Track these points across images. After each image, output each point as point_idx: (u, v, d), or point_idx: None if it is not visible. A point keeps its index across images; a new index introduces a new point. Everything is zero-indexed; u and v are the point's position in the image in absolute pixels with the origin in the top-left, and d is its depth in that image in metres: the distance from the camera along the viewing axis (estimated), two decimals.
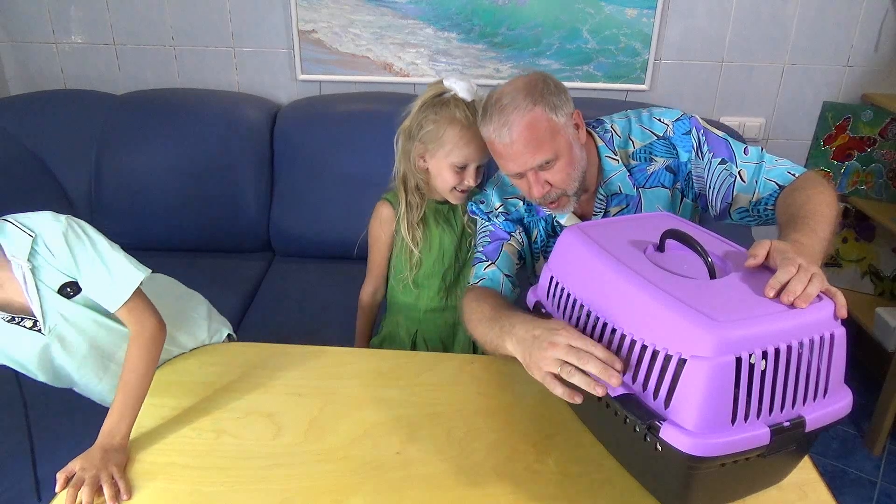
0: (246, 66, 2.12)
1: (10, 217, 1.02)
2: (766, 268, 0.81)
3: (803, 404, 0.74)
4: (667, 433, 0.71)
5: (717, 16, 2.00)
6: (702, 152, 1.16)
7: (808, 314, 0.73)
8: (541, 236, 1.26)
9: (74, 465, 0.90)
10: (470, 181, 1.27)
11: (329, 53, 2.07)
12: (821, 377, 0.75)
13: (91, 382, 1.14)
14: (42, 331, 1.03)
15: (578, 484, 0.87)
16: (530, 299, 0.99)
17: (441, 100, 1.25)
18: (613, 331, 0.80)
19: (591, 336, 0.83)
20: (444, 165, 1.26)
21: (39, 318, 1.01)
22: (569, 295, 0.89)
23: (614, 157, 1.19)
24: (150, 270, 1.07)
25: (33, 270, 0.99)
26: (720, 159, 1.14)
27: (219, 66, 2.12)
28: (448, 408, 1.01)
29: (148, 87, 2.12)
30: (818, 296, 0.75)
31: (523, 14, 2.00)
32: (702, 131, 1.16)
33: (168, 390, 1.05)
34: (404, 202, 1.33)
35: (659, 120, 1.19)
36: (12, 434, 1.34)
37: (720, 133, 1.17)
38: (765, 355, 0.70)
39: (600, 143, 1.20)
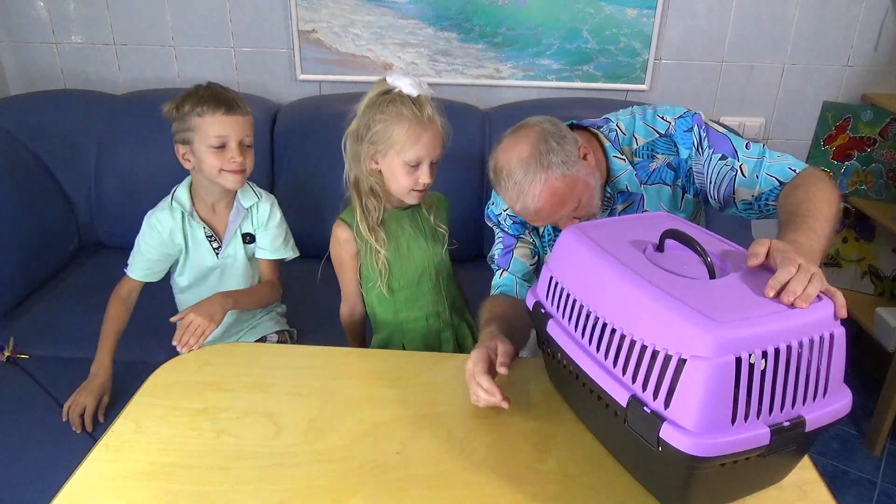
0: (246, 66, 2.12)
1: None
2: (766, 268, 0.81)
3: (803, 404, 0.74)
4: (667, 433, 0.71)
5: (717, 16, 2.00)
6: (702, 148, 1.17)
7: (808, 314, 0.73)
8: (548, 231, 1.28)
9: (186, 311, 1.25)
10: (425, 179, 1.24)
11: (329, 53, 2.07)
12: (820, 377, 0.74)
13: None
14: (218, 255, 1.47)
15: (578, 484, 0.87)
16: (530, 299, 0.99)
17: (387, 98, 1.21)
18: (613, 331, 0.80)
19: (591, 336, 0.83)
20: (396, 165, 1.23)
21: (223, 246, 1.47)
22: (568, 295, 0.89)
23: (621, 156, 1.20)
24: (296, 255, 1.56)
25: (245, 217, 1.46)
26: (720, 155, 1.14)
27: (219, 66, 2.12)
28: (448, 408, 1.01)
29: (148, 87, 2.12)
30: (818, 296, 0.75)
31: (523, 14, 2.00)
32: (703, 128, 1.17)
33: (168, 390, 1.05)
34: (359, 207, 1.30)
35: (662, 118, 1.20)
36: (15, 434, 1.34)
37: (721, 129, 1.18)
38: (764, 355, 0.70)
39: (606, 144, 1.21)
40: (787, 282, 0.75)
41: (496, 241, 1.30)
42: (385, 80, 1.23)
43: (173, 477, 0.88)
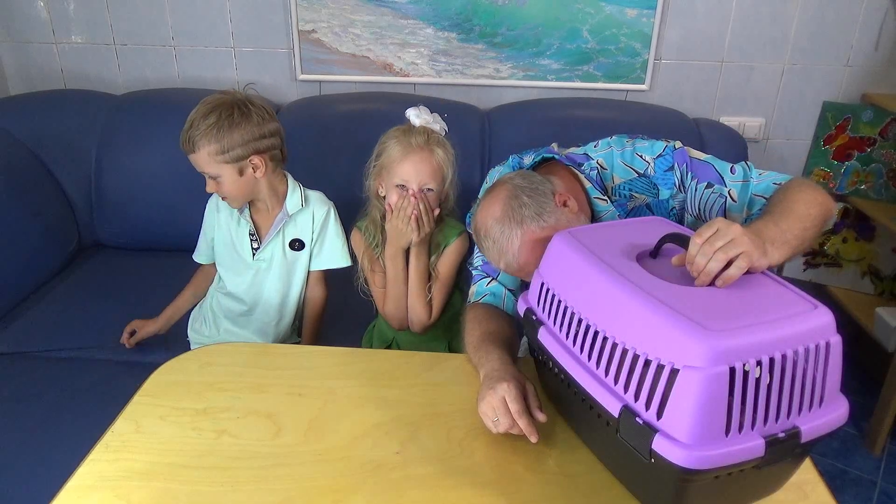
0: (246, 66, 2.12)
1: (299, 184, 1.50)
2: (765, 274, 0.81)
3: (798, 414, 0.73)
4: (659, 445, 0.70)
5: (717, 16, 2.00)
6: (685, 186, 1.15)
7: (804, 323, 0.73)
8: None
9: None
10: (419, 199, 1.28)
11: (329, 53, 2.07)
12: (816, 386, 0.73)
13: (238, 321, 1.55)
14: (255, 256, 1.47)
15: (578, 484, 0.87)
16: (521, 306, 0.98)
17: (398, 126, 1.32)
18: (605, 339, 0.79)
19: (583, 345, 0.82)
20: (390, 187, 1.30)
21: (262, 247, 1.46)
22: (560, 302, 0.88)
23: (602, 197, 1.17)
24: (350, 264, 1.50)
25: (288, 221, 1.45)
26: (706, 183, 1.12)
27: (219, 66, 2.12)
28: (448, 408, 1.01)
29: (148, 87, 2.12)
30: (814, 304, 0.75)
31: (523, 14, 2.00)
32: (685, 164, 1.14)
33: (168, 390, 1.05)
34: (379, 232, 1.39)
35: (640, 157, 1.17)
36: (15, 434, 1.34)
37: (704, 157, 1.15)
38: (759, 365, 0.69)
39: (588, 185, 1.18)
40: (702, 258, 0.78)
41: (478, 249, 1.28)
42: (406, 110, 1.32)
43: (173, 477, 0.88)
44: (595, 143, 1.22)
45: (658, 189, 1.16)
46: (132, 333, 1.57)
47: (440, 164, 1.29)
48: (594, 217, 1.17)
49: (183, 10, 2.05)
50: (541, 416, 0.91)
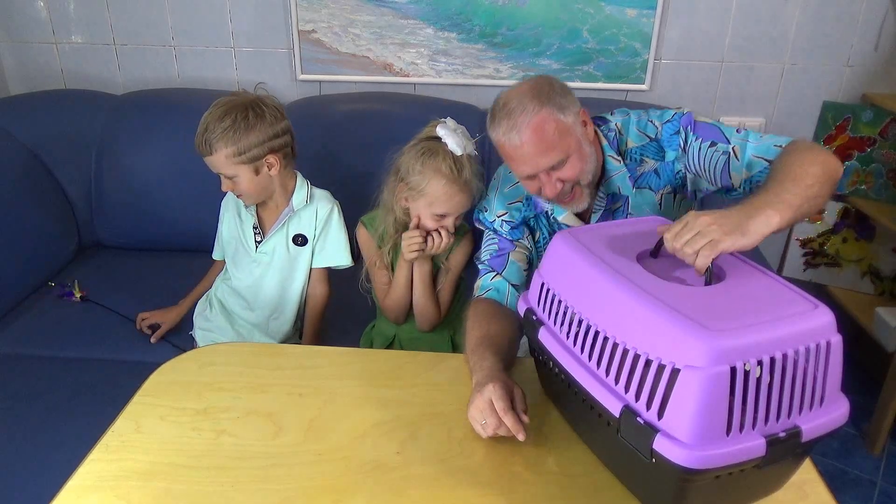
0: (246, 66, 2.12)
1: (307, 181, 1.51)
2: (764, 273, 0.81)
3: (799, 414, 0.73)
4: (660, 445, 0.70)
5: (717, 16, 2.00)
6: (687, 144, 1.16)
7: (804, 322, 0.73)
8: (543, 236, 1.27)
9: None
10: (450, 229, 1.31)
11: (329, 53, 2.07)
12: (817, 386, 0.73)
13: (242, 311, 1.56)
14: (258, 249, 1.49)
15: (578, 484, 0.87)
16: (521, 306, 0.98)
17: (431, 148, 1.26)
18: (606, 339, 0.79)
19: (584, 345, 0.82)
20: (425, 212, 1.29)
21: (265, 241, 1.48)
22: (560, 302, 0.88)
23: (616, 157, 1.20)
24: (353, 264, 1.52)
25: (292, 217, 1.47)
26: (710, 142, 1.13)
27: (219, 66, 2.12)
28: (448, 408, 1.01)
29: (148, 87, 2.12)
30: (814, 304, 0.75)
31: (523, 14, 2.00)
32: (690, 127, 1.16)
33: (168, 390, 1.05)
34: (382, 230, 1.38)
35: (651, 122, 1.20)
36: (15, 433, 1.34)
37: (711, 121, 1.17)
38: (760, 364, 0.69)
39: (604, 143, 1.20)
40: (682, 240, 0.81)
41: (487, 242, 1.27)
42: (437, 126, 1.26)
43: (173, 477, 0.88)
44: (611, 111, 1.26)
45: (664, 151, 1.19)
46: (152, 326, 1.62)
47: (476, 192, 1.31)
48: (605, 175, 1.20)
49: (183, 10, 2.05)
50: (524, 419, 0.91)
